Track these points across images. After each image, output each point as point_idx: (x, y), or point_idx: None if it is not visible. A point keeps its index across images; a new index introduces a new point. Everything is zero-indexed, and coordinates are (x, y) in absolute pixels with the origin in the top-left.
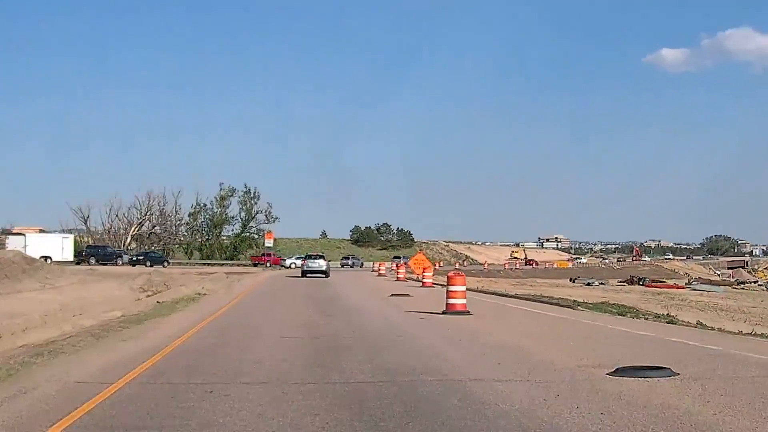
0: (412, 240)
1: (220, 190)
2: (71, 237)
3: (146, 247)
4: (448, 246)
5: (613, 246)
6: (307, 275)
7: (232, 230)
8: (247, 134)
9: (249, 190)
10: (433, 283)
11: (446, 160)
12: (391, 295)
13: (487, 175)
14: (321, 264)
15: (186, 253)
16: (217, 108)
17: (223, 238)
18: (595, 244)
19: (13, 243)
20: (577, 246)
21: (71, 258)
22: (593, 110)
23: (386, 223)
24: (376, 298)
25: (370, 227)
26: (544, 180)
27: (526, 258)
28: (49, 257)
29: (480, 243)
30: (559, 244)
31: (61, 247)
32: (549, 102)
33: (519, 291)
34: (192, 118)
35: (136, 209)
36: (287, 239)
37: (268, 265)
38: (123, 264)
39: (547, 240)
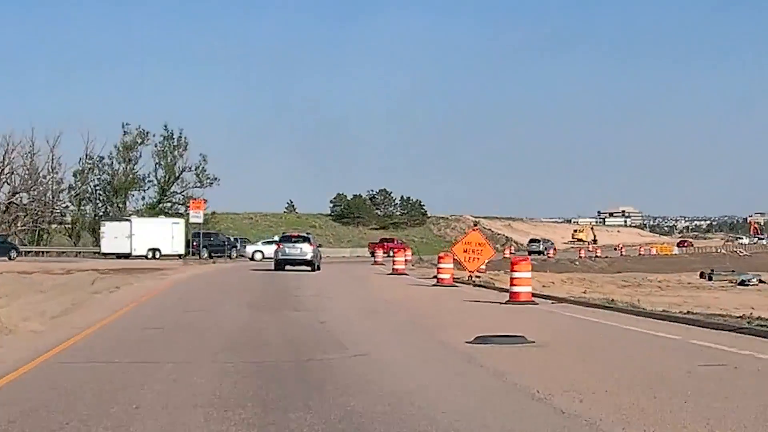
0: (424, 214)
1: (124, 134)
2: None
3: (4, 226)
4: (478, 222)
5: (704, 222)
6: (286, 267)
7: (144, 199)
8: (171, 61)
9: (171, 134)
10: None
11: (469, 104)
12: (477, 340)
13: (527, 127)
14: (305, 250)
15: (70, 235)
16: (124, 20)
17: (129, 212)
18: (676, 220)
19: None
20: (653, 222)
21: None
22: (676, 33)
23: (384, 190)
24: (449, 356)
25: (360, 196)
26: (607, 136)
27: (594, 239)
28: None
29: (522, 219)
30: (628, 219)
31: None
32: (615, 22)
33: (649, 299)
34: (84, 34)
35: None
36: (235, 215)
37: (206, 255)
38: None
39: (611, 214)
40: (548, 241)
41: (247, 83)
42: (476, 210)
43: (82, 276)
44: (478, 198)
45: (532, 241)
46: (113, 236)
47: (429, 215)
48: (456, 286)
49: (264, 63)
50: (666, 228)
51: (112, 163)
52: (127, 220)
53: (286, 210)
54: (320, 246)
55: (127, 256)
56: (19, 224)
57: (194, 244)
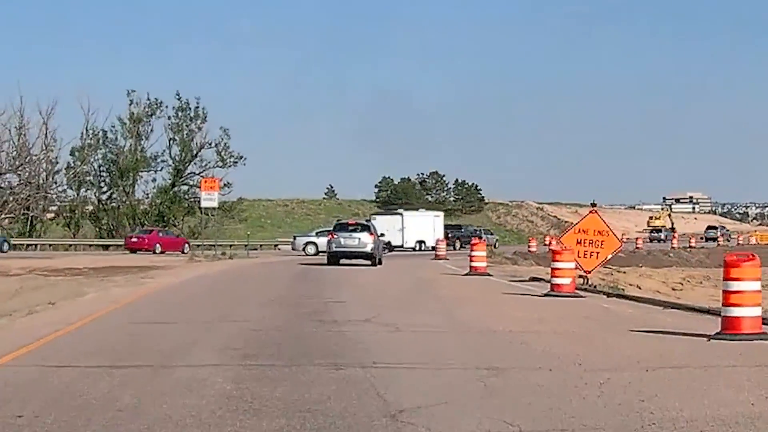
0: (481, 200)
1: (131, 104)
2: None
3: None
4: (542, 209)
5: None
6: (340, 261)
7: (155, 181)
8: (183, 25)
9: (186, 104)
10: None
11: (528, 80)
12: None
13: (589, 107)
14: (364, 240)
15: (68, 225)
16: None
17: (138, 198)
18: (747, 206)
19: None
20: (722, 209)
21: None
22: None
23: (436, 173)
24: None
25: (408, 180)
26: (673, 118)
27: (673, 226)
28: None
29: (590, 205)
30: (696, 206)
31: None
32: None
33: None
34: None
35: None
36: (268, 201)
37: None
38: None
39: (677, 200)
40: (723, 227)
41: (278, 57)
42: (538, 195)
43: (10, 282)
44: (539, 182)
45: (710, 228)
46: (384, 229)
47: (486, 201)
48: (580, 297)
49: (301, 35)
50: (738, 215)
51: (117, 138)
52: (398, 213)
53: (325, 196)
54: (382, 235)
55: (398, 248)
56: (4, 213)
57: None
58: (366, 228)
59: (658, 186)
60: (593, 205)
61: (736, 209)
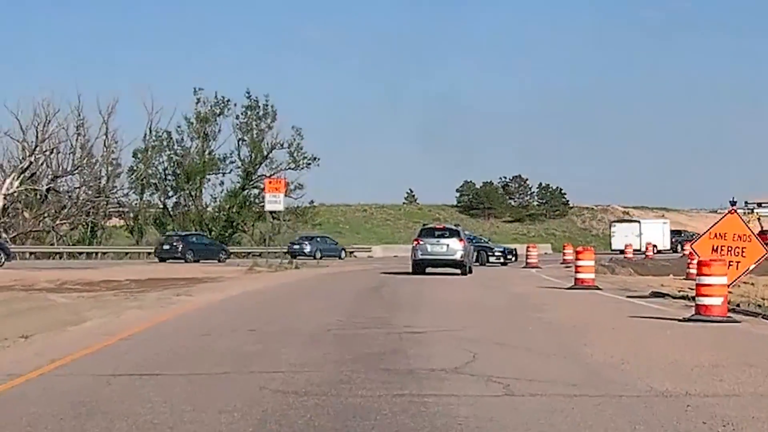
0: (566, 204)
1: (198, 102)
2: None
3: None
4: (628, 213)
5: None
6: (427, 269)
7: (223, 184)
8: (256, 23)
9: (255, 101)
10: None
11: (613, 82)
12: None
13: (673, 110)
14: (453, 247)
15: (131, 232)
16: None
17: (206, 202)
18: None
19: None
20: None
21: None
22: None
23: (519, 177)
24: None
25: (491, 183)
26: (758, 119)
27: (762, 230)
28: None
29: (678, 210)
30: None
31: None
32: None
33: None
34: None
35: (13, 139)
36: (346, 206)
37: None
38: None
39: (759, 204)
40: None
41: (359, 58)
42: (624, 199)
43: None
44: (624, 186)
45: None
46: (623, 235)
47: (571, 205)
48: (734, 321)
49: (380, 37)
50: None
51: (183, 139)
52: (636, 221)
53: (405, 201)
54: (472, 239)
55: (637, 251)
56: (60, 218)
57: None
58: (455, 233)
59: (741, 189)
60: (732, 204)
61: None
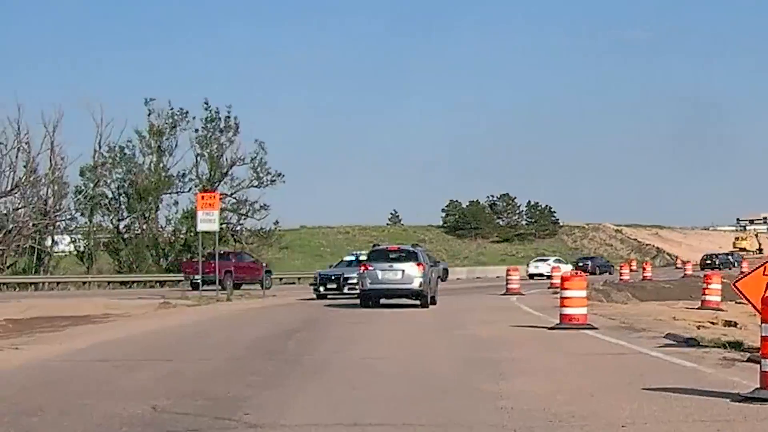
0: (556, 222)
1: (150, 113)
2: None
3: None
4: (620, 231)
5: None
6: (376, 302)
7: (177, 204)
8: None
9: (215, 113)
10: None
11: (599, 98)
12: None
13: (663, 126)
14: (409, 273)
15: (81, 258)
16: None
17: (161, 226)
18: None
19: None
20: None
21: None
22: None
23: (507, 195)
24: None
25: (477, 203)
26: (747, 136)
27: (760, 248)
28: None
29: (672, 227)
30: None
31: None
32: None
33: None
34: None
35: None
36: (328, 228)
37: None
38: None
39: (751, 221)
40: None
41: (338, 73)
42: (615, 217)
43: None
44: (616, 204)
45: None
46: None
47: (561, 224)
48: None
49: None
50: None
51: (135, 155)
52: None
53: (389, 222)
54: (436, 263)
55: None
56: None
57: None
58: (412, 256)
59: (731, 207)
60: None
61: None
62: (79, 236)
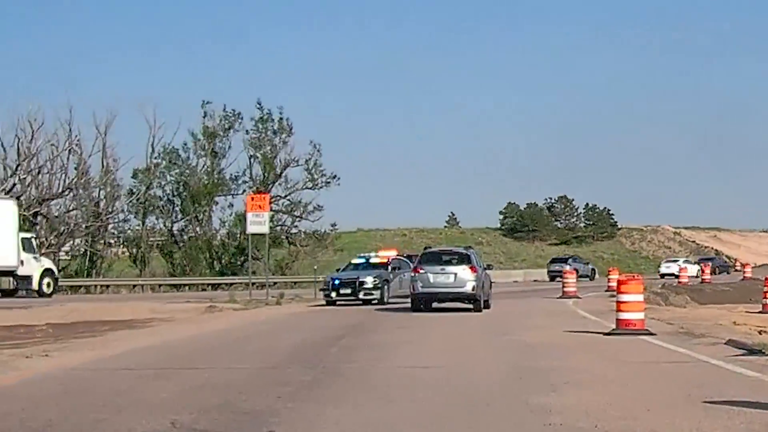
0: (614, 225)
1: (205, 116)
2: None
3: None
4: (679, 234)
5: None
6: (427, 306)
7: (232, 207)
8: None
9: (268, 114)
10: None
11: (662, 97)
12: None
13: (726, 125)
14: (462, 276)
15: (135, 260)
16: None
17: (214, 229)
18: None
19: None
20: None
21: None
22: None
23: (564, 197)
24: None
25: (535, 205)
26: None
27: None
28: None
29: (731, 230)
30: None
31: None
32: None
33: None
34: None
35: None
36: (385, 231)
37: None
38: None
39: None
40: None
41: (389, 81)
42: (674, 219)
43: None
44: (674, 205)
45: None
46: None
47: (619, 226)
48: None
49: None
50: None
51: (189, 157)
52: None
53: (446, 224)
54: (489, 267)
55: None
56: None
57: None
58: (465, 259)
59: None
60: None
61: None
62: (132, 239)
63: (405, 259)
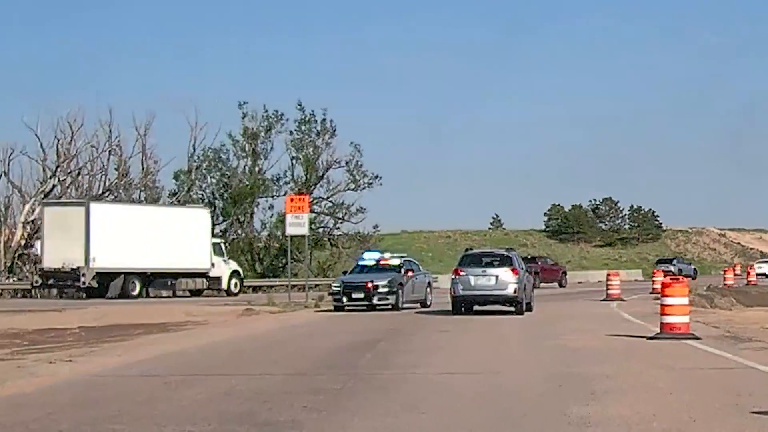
0: (659, 226)
1: (244, 116)
2: None
3: None
4: (724, 236)
5: None
6: (468, 308)
7: (273, 208)
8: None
9: (311, 115)
10: None
11: (707, 95)
12: None
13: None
14: (504, 278)
15: None
16: None
17: (256, 231)
18: None
19: None
20: None
21: None
22: None
23: (609, 199)
24: None
25: (580, 207)
26: None
27: None
28: None
29: None
30: None
31: None
32: None
33: None
34: None
35: (34, 159)
36: (429, 233)
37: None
38: None
39: None
40: None
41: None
42: (719, 221)
43: None
44: (719, 207)
45: None
46: None
47: (664, 228)
48: None
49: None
50: None
51: (229, 158)
52: None
53: (491, 226)
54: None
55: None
56: None
57: None
58: (507, 261)
59: None
60: None
61: None
62: None
63: (415, 261)
